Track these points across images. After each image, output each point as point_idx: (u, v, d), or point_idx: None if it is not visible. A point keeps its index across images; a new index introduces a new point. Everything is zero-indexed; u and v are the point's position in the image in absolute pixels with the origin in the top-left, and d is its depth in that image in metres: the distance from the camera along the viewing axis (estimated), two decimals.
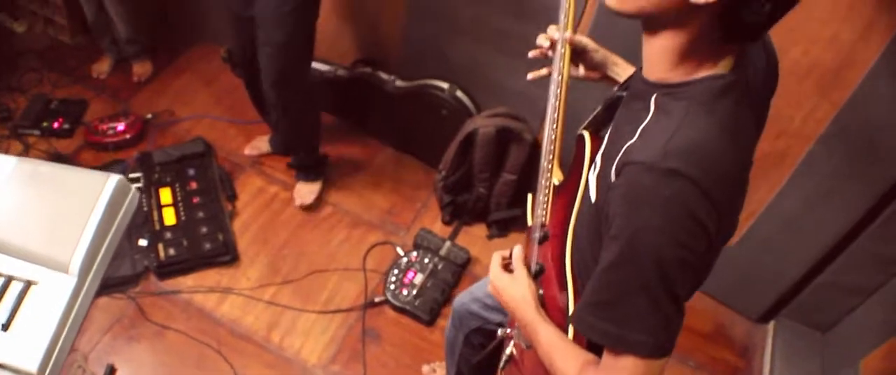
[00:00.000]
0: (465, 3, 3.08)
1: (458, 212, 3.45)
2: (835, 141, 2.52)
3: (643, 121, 1.18)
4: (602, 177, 1.25)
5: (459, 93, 3.33)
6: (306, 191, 3.48)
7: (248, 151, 3.63)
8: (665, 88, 1.19)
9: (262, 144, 3.64)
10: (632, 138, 1.18)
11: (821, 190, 2.66)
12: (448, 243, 3.27)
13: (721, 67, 1.16)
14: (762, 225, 2.88)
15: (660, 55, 1.18)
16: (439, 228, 3.42)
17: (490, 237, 3.43)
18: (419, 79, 3.41)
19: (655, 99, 1.19)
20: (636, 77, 1.29)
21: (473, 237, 3.43)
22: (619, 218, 1.13)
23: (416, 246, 3.28)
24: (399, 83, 3.46)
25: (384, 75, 3.49)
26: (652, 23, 1.17)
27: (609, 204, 1.17)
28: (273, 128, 3.54)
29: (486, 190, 3.32)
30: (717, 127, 1.13)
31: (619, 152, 1.19)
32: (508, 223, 3.43)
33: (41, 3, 4.20)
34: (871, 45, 2.27)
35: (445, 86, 3.35)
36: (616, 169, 1.18)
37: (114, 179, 1.86)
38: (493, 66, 3.18)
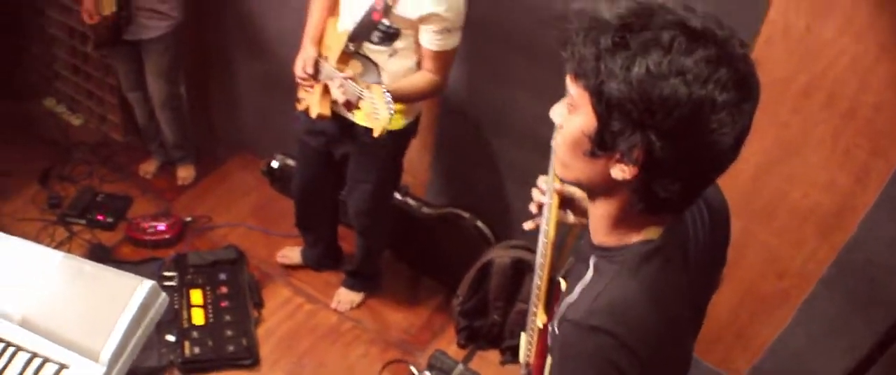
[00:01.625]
0: (488, 136, 3.33)
1: (474, 337, 3.58)
2: (836, 281, 2.62)
3: (583, 280, 1.31)
4: (554, 328, 1.39)
5: (480, 223, 3.53)
6: (347, 300, 3.67)
7: (279, 259, 3.81)
8: (603, 251, 1.31)
9: (293, 255, 3.81)
10: (571, 295, 1.32)
11: (825, 328, 2.74)
12: (461, 366, 3.38)
13: (650, 233, 1.26)
14: (768, 361, 2.96)
15: (598, 221, 1.31)
16: (454, 351, 3.53)
17: (503, 363, 3.54)
18: (444, 207, 3.62)
19: (595, 261, 1.32)
20: (585, 238, 1.41)
21: (487, 362, 3.54)
22: (554, 368, 1.29)
23: (430, 367, 3.39)
24: (426, 209, 3.65)
25: (413, 201, 3.69)
26: (590, 192, 1.30)
27: (552, 353, 1.32)
28: (310, 245, 3.72)
29: (501, 317, 3.46)
30: (638, 287, 1.23)
31: (563, 307, 1.33)
32: None
33: (98, 102, 4.48)
34: (867, 190, 2.41)
35: (467, 215, 3.55)
36: (557, 323, 1.33)
37: (147, 285, 1.99)
38: (513, 198, 3.39)
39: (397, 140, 3.01)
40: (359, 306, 3.70)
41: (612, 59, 1.08)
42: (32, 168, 4.17)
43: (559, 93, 1.25)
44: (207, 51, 4.18)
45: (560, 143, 1.25)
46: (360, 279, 3.68)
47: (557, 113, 1.26)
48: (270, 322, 3.56)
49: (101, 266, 2.01)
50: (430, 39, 2.64)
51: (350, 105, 2.72)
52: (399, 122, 2.89)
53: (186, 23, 3.63)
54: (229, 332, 3.39)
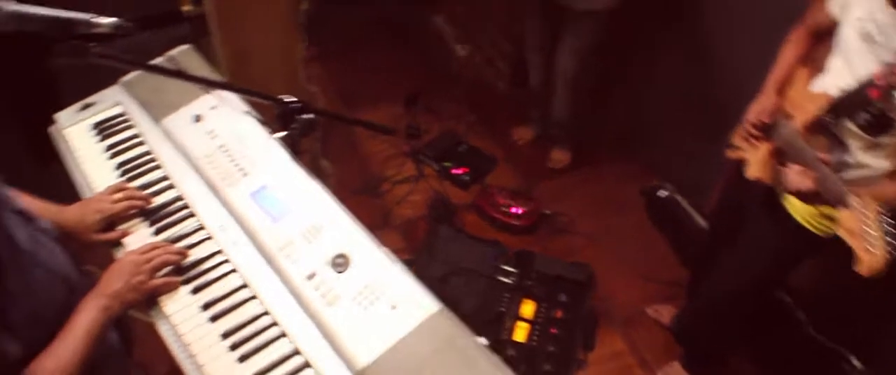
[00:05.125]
0: None
1: None
2: None
3: None
4: None
5: None
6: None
7: (650, 312, 3.17)
8: None
9: (664, 312, 3.15)
10: None
11: None
12: None
13: None
14: None
15: None
16: None
17: None
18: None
19: None
20: None
21: None
22: None
23: None
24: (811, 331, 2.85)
25: (801, 315, 2.88)
26: None
27: None
28: (688, 320, 3.02)
29: None
30: None
31: None
32: None
33: (491, 41, 4.07)
34: None
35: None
36: None
37: None
38: None
39: None
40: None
41: None
42: (403, 84, 3.86)
43: None
44: (634, 45, 3.58)
45: None
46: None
47: None
48: (591, 371, 2.93)
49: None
50: None
51: (814, 198, 2.02)
52: None
53: (626, 8, 3.10)
54: (547, 367, 2.82)
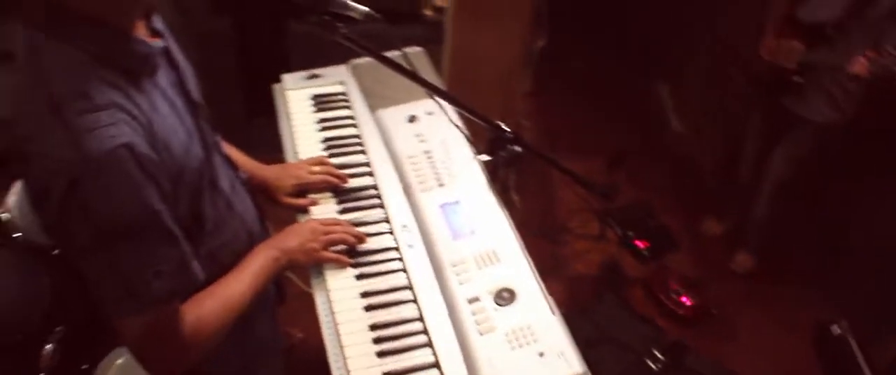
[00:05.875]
0: None
1: None
2: None
3: None
4: None
5: None
6: None
7: None
8: None
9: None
10: None
11: None
12: None
13: None
14: None
15: None
16: None
17: None
18: None
19: None
20: None
21: None
22: None
23: None
24: None
25: None
26: None
27: None
28: None
29: None
30: None
31: None
32: None
33: (710, 127, 3.95)
34: None
35: None
36: None
37: None
38: None
39: None
40: None
41: None
42: (610, 141, 3.85)
43: None
44: (853, 168, 3.37)
45: None
46: None
47: None
48: None
49: None
50: None
51: None
52: None
53: (854, 128, 3.00)
54: None
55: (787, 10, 2.99)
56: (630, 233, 3.36)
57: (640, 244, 3.33)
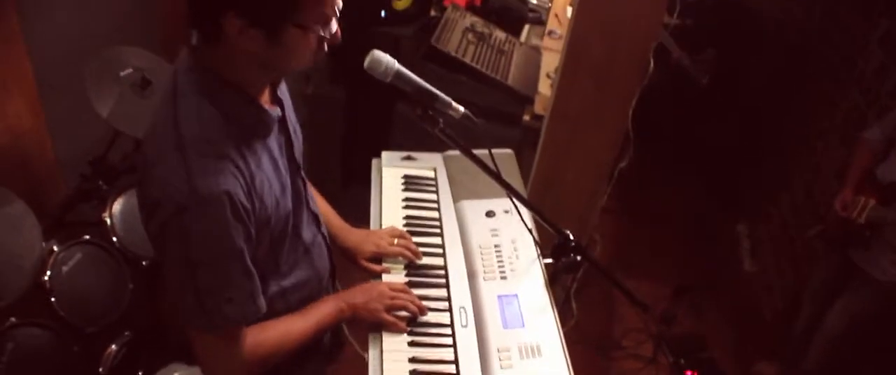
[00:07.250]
0: None
1: None
2: None
3: None
4: None
5: None
6: None
7: None
8: None
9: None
10: None
11: None
12: None
13: None
14: None
15: None
16: None
17: None
18: None
19: None
20: None
21: None
22: None
23: None
24: None
25: None
26: None
27: None
28: None
29: None
30: None
31: None
32: None
33: (778, 271, 3.97)
34: None
35: None
36: None
37: None
38: None
39: None
40: None
41: None
42: (678, 270, 3.96)
43: None
44: None
45: None
46: None
47: None
48: None
49: None
50: None
51: None
52: None
53: None
54: None
55: (867, 167, 3.07)
56: (682, 362, 3.43)
57: (689, 373, 3.39)
